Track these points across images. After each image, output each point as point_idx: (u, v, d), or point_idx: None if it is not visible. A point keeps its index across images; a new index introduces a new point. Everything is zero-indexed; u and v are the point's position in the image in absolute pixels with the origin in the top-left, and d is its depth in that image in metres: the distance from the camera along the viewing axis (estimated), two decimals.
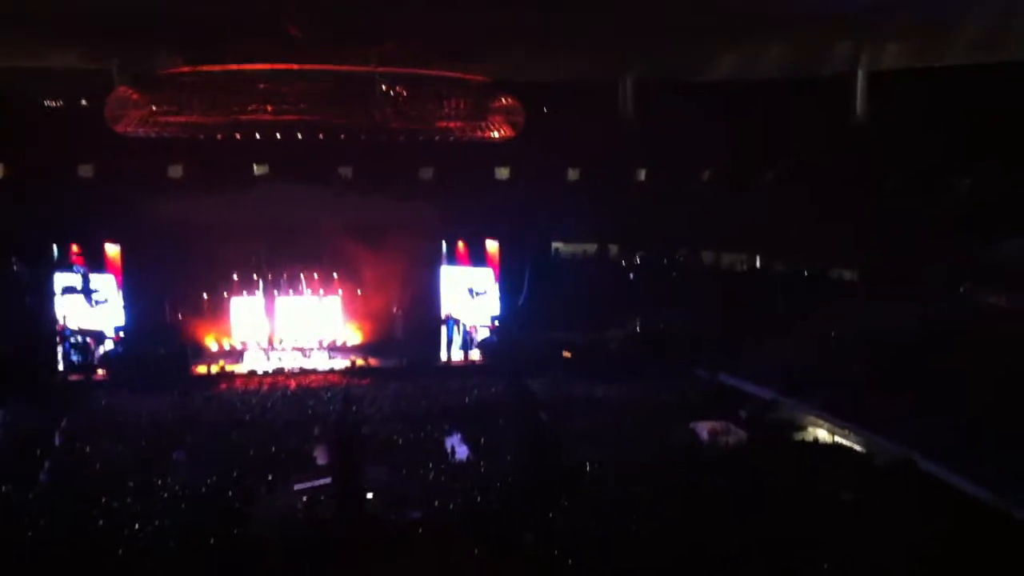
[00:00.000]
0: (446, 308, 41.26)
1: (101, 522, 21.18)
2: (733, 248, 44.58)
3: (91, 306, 37.38)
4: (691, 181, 47.86)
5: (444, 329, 41.18)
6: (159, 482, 24.20)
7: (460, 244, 41.18)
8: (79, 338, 37.19)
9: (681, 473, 25.75)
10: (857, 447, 28.73)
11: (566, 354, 38.87)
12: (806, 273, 41.69)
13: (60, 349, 37.07)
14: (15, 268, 39.57)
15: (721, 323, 38.32)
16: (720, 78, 48.18)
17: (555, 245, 46.96)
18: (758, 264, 44.06)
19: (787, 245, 42.04)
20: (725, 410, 31.82)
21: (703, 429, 29.57)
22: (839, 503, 23.17)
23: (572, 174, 49.08)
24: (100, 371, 37.28)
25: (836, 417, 30.34)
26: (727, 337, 37.53)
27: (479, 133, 44.76)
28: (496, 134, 44.74)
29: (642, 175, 49.37)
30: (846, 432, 29.49)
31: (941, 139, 39.46)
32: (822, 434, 30.33)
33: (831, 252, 40.58)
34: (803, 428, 31.07)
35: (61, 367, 37.03)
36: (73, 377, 36.71)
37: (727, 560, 18.99)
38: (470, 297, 40.92)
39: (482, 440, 28.60)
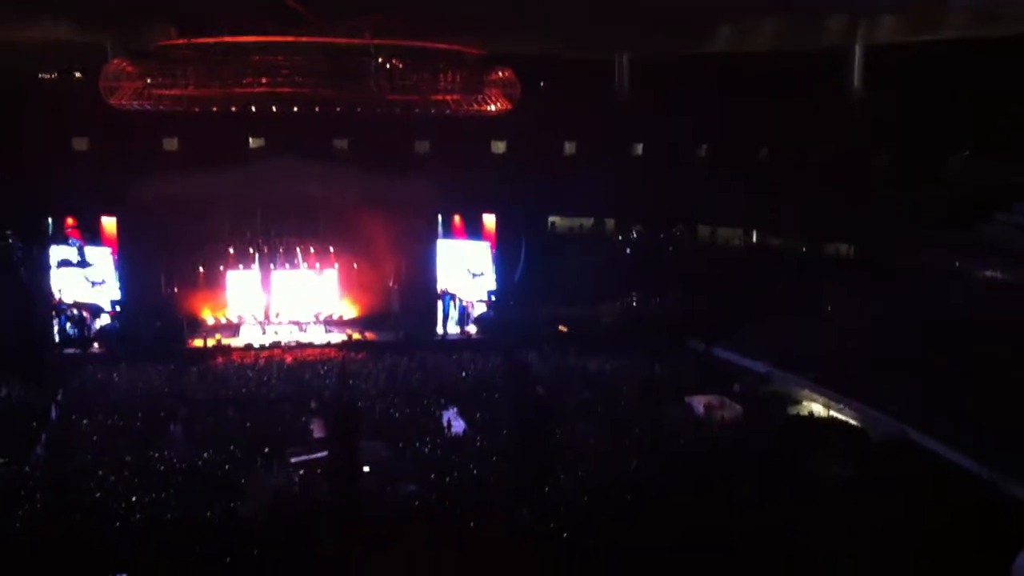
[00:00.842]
0: (443, 283, 41.20)
1: (98, 495, 21.25)
2: (729, 223, 44.66)
3: (88, 279, 37.31)
4: (687, 156, 47.88)
5: (440, 304, 41.16)
6: (155, 456, 24.23)
7: (456, 218, 41.07)
8: (75, 312, 37.13)
9: (676, 447, 25.92)
10: (852, 421, 28.92)
11: (562, 329, 38.90)
12: (803, 249, 41.78)
13: (56, 323, 37.04)
14: (10, 242, 39.51)
15: (716, 298, 38.37)
16: (716, 51, 48.20)
17: (551, 219, 46.97)
18: (754, 240, 44.13)
19: (783, 221, 42.15)
20: (720, 384, 31.89)
21: (698, 403, 29.66)
22: (833, 477, 23.32)
23: (568, 148, 49.02)
24: (96, 345, 37.22)
25: (830, 391, 30.58)
26: (722, 312, 37.60)
27: (475, 106, 44.53)
28: (492, 107, 44.51)
29: (639, 149, 49.31)
30: (840, 406, 29.69)
31: (937, 114, 39.48)
32: (817, 408, 30.48)
33: (827, 228, 40.71)
34: (798, 402, 31.21)
35: (57, 341, 37.01)
36: (69, 351, 36.66)
37: (721, 534, 19.07)
38: (470, 277, 40.87)
39: (478, 415, 28.62)
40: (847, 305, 35.70)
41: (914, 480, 22.78)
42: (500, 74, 44.12)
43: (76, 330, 37.24)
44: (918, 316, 32.54)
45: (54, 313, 37.07)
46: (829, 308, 36.08)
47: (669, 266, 42.30)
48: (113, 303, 37.66)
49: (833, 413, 29.89)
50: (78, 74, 50.03)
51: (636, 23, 46.57)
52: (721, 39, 47.97)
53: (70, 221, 37.30)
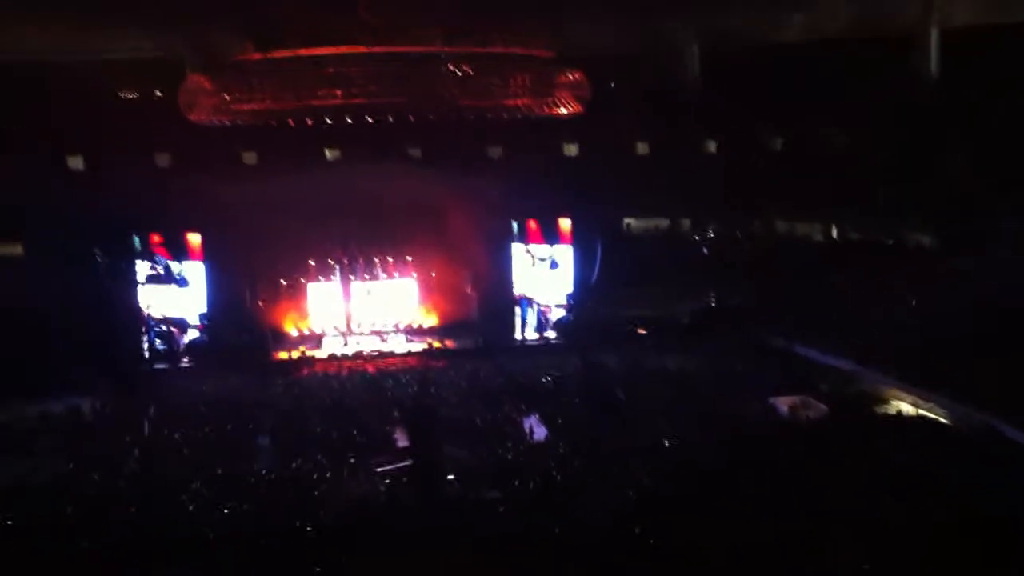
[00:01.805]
0: (519, 287, 41.33)
1: (191, 508, 21.71)
2: (808, 217, 44.00)
3: (180, 290, 38.22)
4: (762, 150, 47.27)
5: (518, 309, 41.30)
6: (245, 467, 24.79)
7: (531, 223, 41.19)
8: (163, 327, 38.09)
9: (760, 449, 25.66)
10: (942, 419, 28.31)
11: (640, 330, 38.76)
12: (883, 241, 40.96)
13: (145, 338, 38.00)
14: (98, 259, 40.54)
15: (798, 294, 37.88)
16: (788, 41, 47.52)
17: (627, 221, 46.76)
18: (834, 233, 43.41)
19: (863, 212, 41.38)
20: (804, 384, 31.44)
21: (782, 404, 29.31)
22: (924, 476, 22.88)
23: (642, 148, 48.71)
24: (185, 359, 38.14)
25: (919, 388, 29.97)
26: (804, 309, 37.11)
27: (546, 109, 44.61)
28: (563, 110, 44.56)
29: (712, 146, 48.83)
30: (930, 404, 29.08)
31: (1015, 99, 38.44)
32: (905, 407, 29.88)
33: (908, 218, 39.83)
34: (885, 400, 30.63)
35: (146, 355, 37.98)
36: (158, 365, 37.65)
37: (808, 536, 18.84)
38: (549, 268, 40.87)
39: (559, 419, 28.66)
40: (933, 299, 34.91)
41: (1006, 476, 22.26)
42: (570, 76, 44.12)
43: (165, 345, 38.18)
44: (1010, 309, 31.69)
45: (143, 328, 38.04)
46: (914, 302, 35.34)
47: (747, 263, 41.84)
48: (201, 317, 38.50)
49: (922, 411, 29.28)
50: (158, 92, 51.08)
51: (707, 13, 46.29)
52: (794, 27, 47.31)
53: (156, 237, 38.22)
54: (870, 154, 41.91)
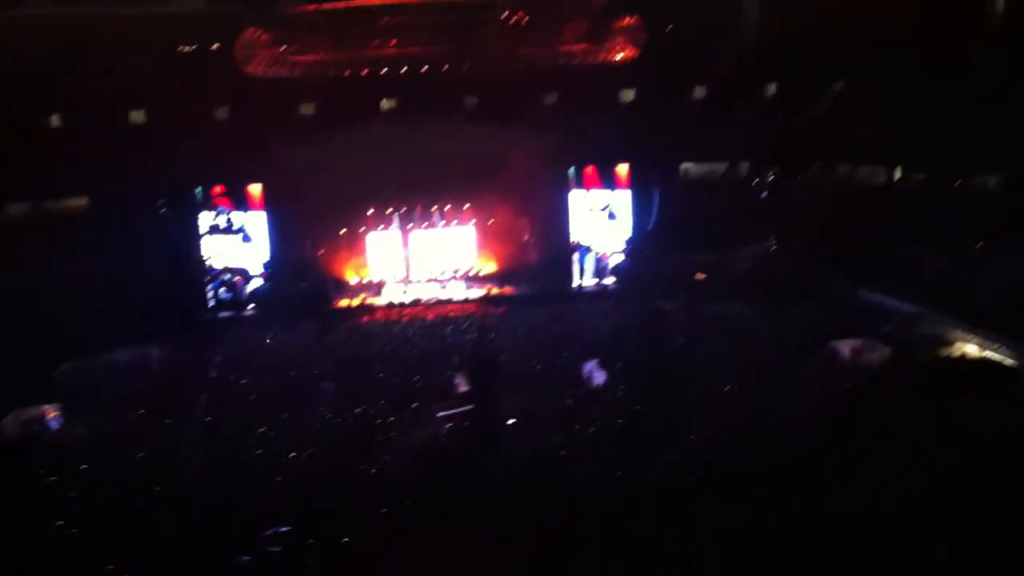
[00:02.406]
0: (576, 234, 41.25)
1: (259, 451, 22.25)
2: (870, 160, 43.20)
3: (245, 243, 38.79)
4: (823, 92, 46.37)
5: (576, 256, 41.24)
6: (309, 413, 25.27)
7: (589, 169, 41.01)
8: (227, 276, 38.72)
9: (822, 394, 25.50)
10: (1008, 361, 27.87)
11: (699, 276, 38.59)
12: (947, 184, 40.11)
13: (210, 288, 38.67)
14: (162, 211, 41.21)
15: (860, 238, 37.33)
16: None
17: (684, 166, 46.30)
18: (897, 176, 42.59)
19: (926, 155, 40.51)
20: (867, 327, 31.05)
21: (844, 348, 29.04)
22: (990, 421, 22.60)
23: (699, 92, 48.06)
24: (249, 307, 38.78)
25: (984, 331, 29.51)
26: (867, 252, 36.59)
27: (602, 55, 44.17)
28: (619, 55, 44.09)
29: (771, 89, 47.98)
30: (996, 346, 28.62)
31: None
32: (971, 349, 29.45)
33: (977, 162, 38.92)
34: (950, 343, 30.20)
35: (212, 305, 38.69)
36: (223, 314, 38.35)
37: (874, 487, 18.69)
38: (608, 220, 40.79)
39: (618, 364, 28.73)
40: (999, 242, 34.21)
41: None
42: (626, 20, 43.62)
43: (229, 294, 38.85)
44: None
45: (207, 279, 38.69)
46: (979, 245, 34.67)
47: (808, 208, 41.27)
48: (263, 266, 39.06)
49: (988, 354, 28.85)
50: (215, 45, 51.41)
51: None
52: None
53: (218, 189, 38.72)
54: (938, 96, 40.90)
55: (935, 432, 21.40)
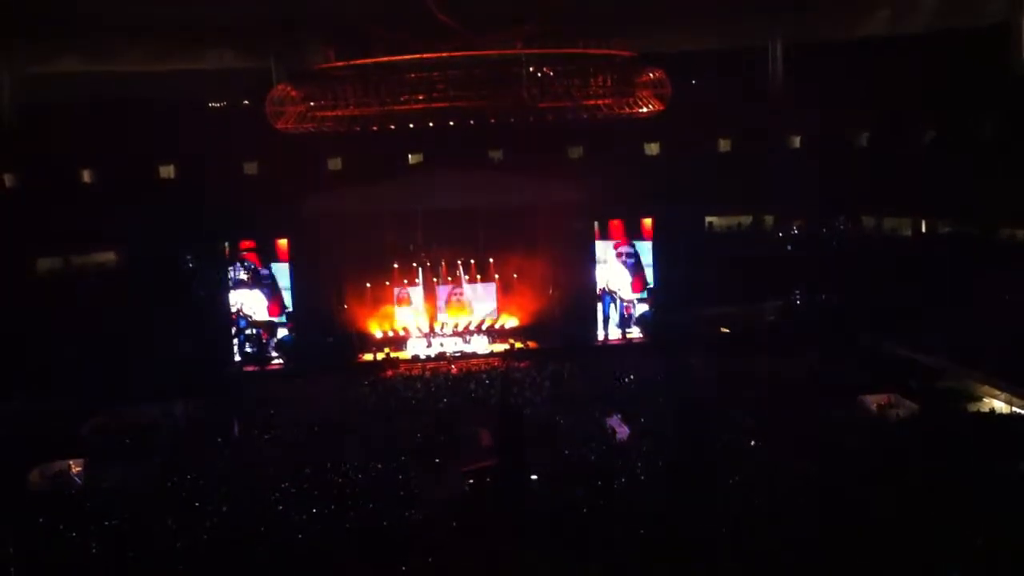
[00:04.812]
0: (602, 282, 41.20)
1: (280, 507, 22.21)
2: (895, 212, 43.09)
3: (270, 297, 39.11)
4: (847, 145, 46.43)
5: (600, 306, 41.19)
6: (332, 467, 25.25)
7: (613, 221, 41.08)
8: (252, 330, 38.91)
9: (850, 448, 25.25)
10: None
11: (724, 330, 38.42)
12: (973, 236, 39.86)
13: (235, 342, 38.87)
14: (190, 265, 41.60)
15: (885, 291, 37.14)
16: (872, 35, 46.72)
17: (709, 219, 46.35)
18: (923, 228, 42.42)
19: (951, 207, 40.34)
20: (893, 381, 30.85)
21: (871, 402, 28.84)
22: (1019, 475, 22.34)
23: (723, 145, 48.23)
24: (274, 361, 38.95)
25: (1012, 385, 29.18)
26: (892, 305, 36.36)
27: (627, 109, 44.36)
28: (644, 109, 44.28)
29: (796, 142, 48.10)
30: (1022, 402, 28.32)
31: None
32: (998, 404, 29.15)
33: (998, 212, 38.72)
34: (977, 398, 29.92)
35: (237, 358, 38.87)
36: (248, 368, 38.52)
37: (902, 536, 18.53)
38: (633, 270, 40.85)
39: (642, 419, 28.57)
40: None
41: None
42: (651, 75, 43.80)
43: (254, 348, 39.02)
44: None
45: (233, 332, 38.91)
46: (1007, 297, 34.35)
47: (833, 260, 41.15)
48: (288, 319, 39.24)
49: (1016, 409, 28.53)
50: (245, 101, 52.20)
51: (789, 11, 45.70)
52: (877, 21, 46.56)
53: (245, 243, 39.06)
54: (959, 149, 40.87)
55: (964, 486, 21.29)
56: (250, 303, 39.03)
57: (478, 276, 42.24)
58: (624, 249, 41.06)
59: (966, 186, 38.35)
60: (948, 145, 42.20)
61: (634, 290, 40.99)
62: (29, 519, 21.92)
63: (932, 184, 39.85)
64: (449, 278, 42.12)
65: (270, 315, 39.20)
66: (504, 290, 42.36)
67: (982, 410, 28.89)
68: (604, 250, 41.24)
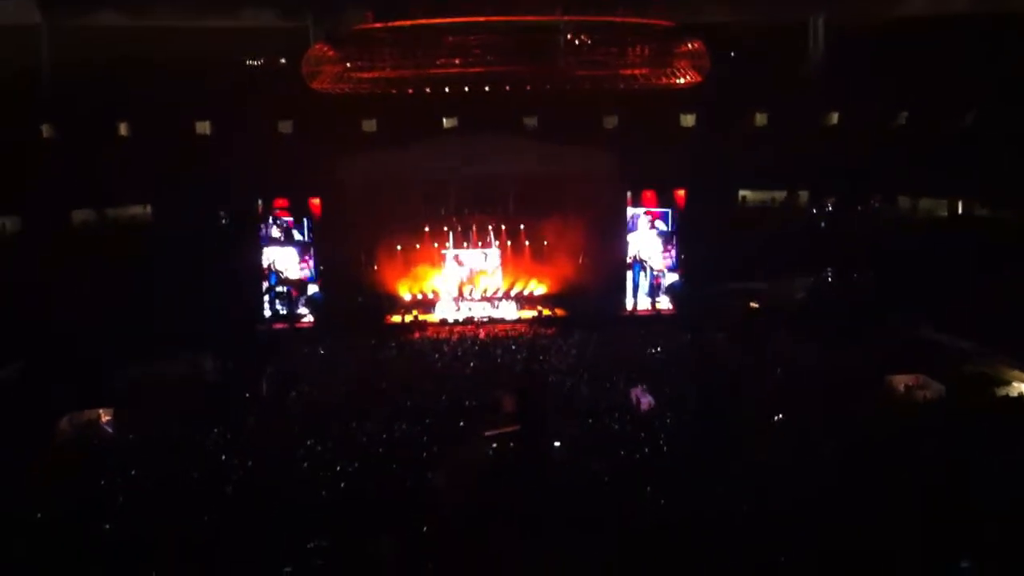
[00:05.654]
0: (633, 250, 41.12)
1: (305, 464, 22.43)
2: (931, 194, 42.66)
3: (300, 253, 39.38)
4: (885, 124, 45.91)
5: (630, 275, 41.13)
6: (357, 427, 25.46)
7: (646, 192, 40.91)
8: (283, 288, 39.21)
9: (874, 429, 25.14)
10: None
11: (753, 305, 38.28)
12: (1007, 218, 39.42)
13: (266, 299, 39.18)
14: (223, 222, 41.89)
15: (917, 272, 36.83)
16: (914, 14, 46.10)
17: (742, 193, 46.08)
18: (958, 210, 41.99)
19: (988, 190, 39.91)
20: (921, 363, 30.64)
21: (898, 382, 28.69)
22: None
23: (760, 119, 47.83)
24: (303, 320, 39.25)
25: None
26: (924, 287, 36.08)
27: (664, 80, 44.09)
28: (682, 80, 43.99)
29: (834, 119, 47.60)
30: None
31: None
32: None
33: None
34: (1007, 382, 29.68)
35: (266, 316, 39.19)
36: (277, 326, 38.84)
37: (929, 523, 18.39)
38: (664, 238, 40.84)
39: (667, 391, 28.58)
40: None
41: None
42: (689, 46, 43.48)
43: (284, 305, 39.32)
44: None
45: (264, 290, 39.21)
46: None
47: (867, 240, 40.82)
48: (319, 279, 39.49)
49: None
50: (282, 60, 52.28)
51: None
52: (919, 0, 46.05)
53: (280, 202, 39.26)
54: (994, 130, 40.31)
55: (989, 470, 21.16)
56: (282, 260, 39.30)
57: (509, 241, 42.27)
58: (656, 218, 40.92)
59: (1003, 170, 37.89)
60: (987, 128, 41.64)
61: (664, 259, 40.89)
62: (56, 467, 22.27)
63: (969, 167, 39.39)
64: (480, 242, 42.21)
65: (301, 270, 39.45)
66: (534, 256, 42.38)
67: (1010, 394, 28.68)
68: (636, 218, 41.09)
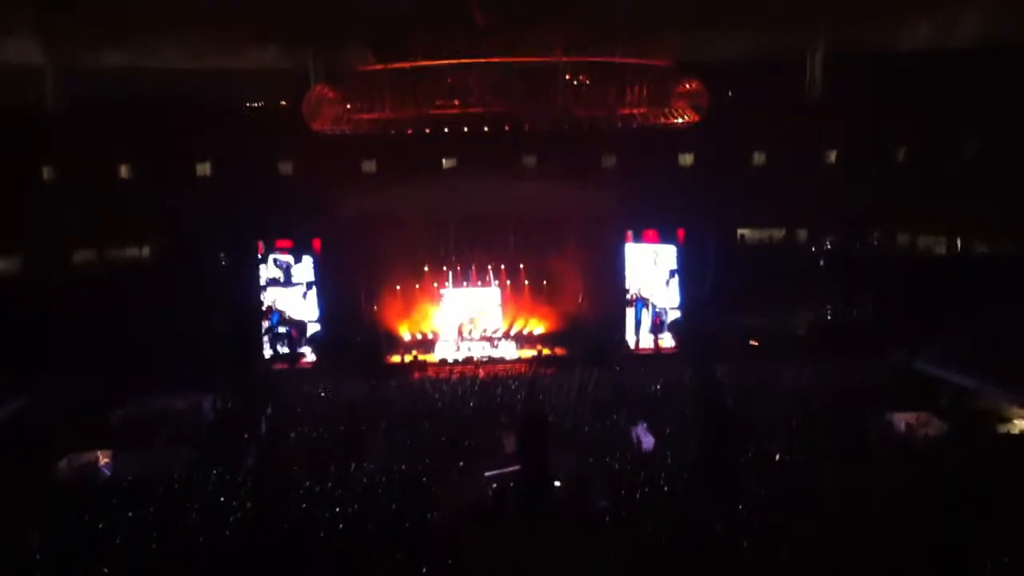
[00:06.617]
0: (633, 288, 41.09)
1: (304, 505, 22.29)
2: (930, 230, 42.72)
3: (299, 293, 39.47)
4: (884, 161, 46.00)
5: (631, 312, 41.07)
6: (356, 467, 25.33)
7: (645, 231, 40.98)
8: (282, 328, 39.21)
9: (878, 466, 25.03)
10: None
11: (753, 342, 38.24)
12: (1009, 254, 39.45)
13: (266, 340, 39.17)
14: (223, 263, 41.91)
15: (918, 308, 36.81)
16: (913, 49, 46.30)
17: (741, 231, 46.15)
18: (958, 246, 42.04)
19: (988, 226, 39.99)
20: (923, 400, 30.56)
21: (900, 420, 28.59)
22: None
23: (758, 158, 47.99)
24: (303, 360, 39.21)
25: None
26: (925, 323, 36.05)
27: (663, 119, 44.35)
28: (680, 119, 44.24)
29: (832, 156, 47.75)
30: None
31: None
32: None
33: None
34: (1009, 419, 29.59)
35: (266, 356, 39.16)
36: (277, 366, 38.80)
37: (929, 561, 18.31)
38: (664, 274, 40.82)
39: (668, 430, 28.49)
40: None
41: None
42: (687, 86, 43.77)
43: (284, 345, 39.32)
44: None
45: (263, 330, 39.21)
46: None
47: (866, 275, 40.85)
48: (320, 318, 39.51)
49: None
50: (283, 102, 52.58)
51: (829, 21, 45.60)
52: (919, 35, 46.19)
53: (278, 243, 39.35)
54: (995, 166, 40.43)
55: (996, 506, 21.03)
56: (283, 300, 39.33)
57: (508, 280, 42.30)
58: (656, 254, 40.90)
59: (1002, 206, 37.99)
60: (987, 163, 41.76)
61: (667, 296, 40.91)
62: (55, 509, 22.14)
63: (968, 203, 39.49)
64: (479, 282, 42.27)
65: (302, 310, 39.48)
66: (534, 295, 42.41)
67: (1012, 432, 28.57)
68: (635, 254, 41.11)
